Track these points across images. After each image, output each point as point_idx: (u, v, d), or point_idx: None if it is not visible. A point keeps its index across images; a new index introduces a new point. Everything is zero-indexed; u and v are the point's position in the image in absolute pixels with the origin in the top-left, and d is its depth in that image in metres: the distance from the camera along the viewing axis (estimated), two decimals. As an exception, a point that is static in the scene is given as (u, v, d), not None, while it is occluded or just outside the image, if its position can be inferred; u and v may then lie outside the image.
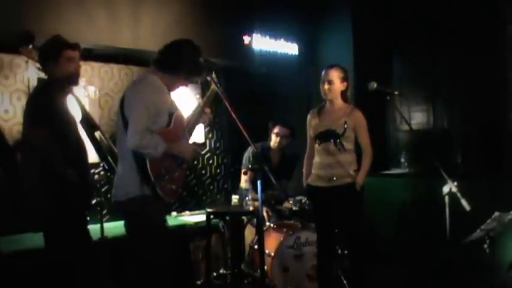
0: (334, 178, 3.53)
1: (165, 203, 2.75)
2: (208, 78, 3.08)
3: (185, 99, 4.77)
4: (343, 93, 3.63)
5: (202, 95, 5.04)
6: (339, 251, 3.99)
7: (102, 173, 4.10)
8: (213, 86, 3.11)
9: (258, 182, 3.41)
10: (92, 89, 4.41)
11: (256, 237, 3.90)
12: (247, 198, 3.94)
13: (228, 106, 3.06)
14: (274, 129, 4.65)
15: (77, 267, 3.01)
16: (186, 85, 2.97)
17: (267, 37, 5.22)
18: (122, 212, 2.79)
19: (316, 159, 3.65)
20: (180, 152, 2.79)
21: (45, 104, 2.99)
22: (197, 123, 3.17)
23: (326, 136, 3.56)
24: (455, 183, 3.03)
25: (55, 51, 3.08)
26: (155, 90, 2.71)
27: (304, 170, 3.81)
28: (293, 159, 4.71)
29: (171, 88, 2.87)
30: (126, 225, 2.77)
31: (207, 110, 3.16)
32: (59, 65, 3.07)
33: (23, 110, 3.14)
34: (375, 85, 3.41)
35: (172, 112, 2.79)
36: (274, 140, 4.65)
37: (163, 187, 2.66)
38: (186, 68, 2.84)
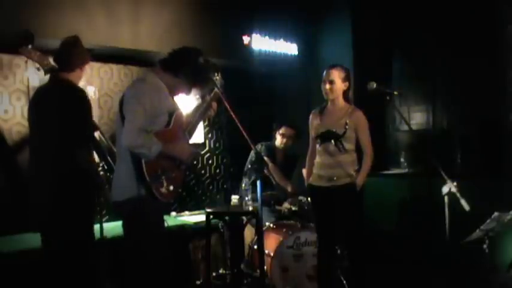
0: (334, 178, 3.54)
1: (163, 203, 2.75)
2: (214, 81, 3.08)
3: (185, 99, 4.78)
4: (345, 93, 3.63)
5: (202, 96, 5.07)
6: (339, 251, 3.99)
7: (101, 173, 4.09)
8: (216, 90, 3.12)
9: (258, 182, 3.41)
10: (91, 89, 4.40)
11: (256, 237, 3.90)
12: (246, 198, 3.94)
13: (228, 106, 3.07)
14: (280, 130, 4.68)
15: (77, 267, 3.02)
16: (188, 93, 2.96)
17: (267, 37, 5.22)
18: (119, 212, 2.79)
19: (317, 159, 3.65)
20: (177, 153, 2.78)
21: (84, 103, 3.08)
22: (199, 123, 3.17)
23: (326, 137, 3.57)
24: (455, 183, 3.03)
25: (77, 62, 3.18)
26: (153, 90, 2.70)
27: (306, 170, 3.81)
28: (294, 159, 4.73)
29: (172, 91, 2.86)
30: (123, 225, 2.77)
31: (214, 104, 3.16)
32: (73, 72, 3.16)
33: (47, 105, 3.10)
34: (375, 85, 3.41)
35: (172, 112, 2.78)
36: (280, 141, 4.68)
37: (159, 187, 2.65)
38: (189, 72, 2.83)
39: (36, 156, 3.11)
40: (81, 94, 3.13)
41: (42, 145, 3.08)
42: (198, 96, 5.01)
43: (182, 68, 2.81)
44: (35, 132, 3.16)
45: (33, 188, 3.09)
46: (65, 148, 2.98)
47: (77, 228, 3.03)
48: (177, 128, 2.83)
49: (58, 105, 3.06)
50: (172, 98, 2.87)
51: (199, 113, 3.15)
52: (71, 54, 3.16)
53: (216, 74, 3.07)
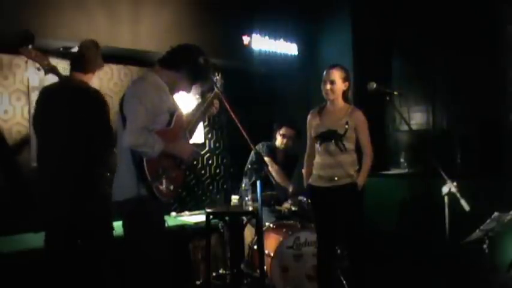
0: (335, 178, 3.53)
1: (163, 203, 2.75)
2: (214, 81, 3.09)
3: (185, 99, 4.77)
4: (344, 94, 3.63)
5: (202, 95, 5.07)
6: (339, 251, 3.99)
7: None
8: (216, 90, 3.13)
9: (258, 182, 3.42)
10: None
11: (256, 238, 3.90)
12: (246, 198, 3.94)
13: (228, 106, 3.07)
14: (280, 131, 4.68)
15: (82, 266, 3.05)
16: (188, 90, 2.96)
17: (267, 37, 5.22)
18: (119, 212, 2.79)
19: (317, 159, 3.65)
20: (178, 152, 2.78)
21: (106, 106, 3.17)
22: (199, 123, 3.18)
23: (327, 136, 3.56)
24: (455, 184, 3.03)
25: (93, 66, 3.22)
26: (154, 89, 2.70)
27: (304, 170, 3.81)
28: (294, 159, 4.73)
29: (173, 89, 2.86)
30: (123, 225, 2.77)
31: (216, 102, 3.16)
32: (86, 75, 3.21)
33: (69, 106, 3.12)
34: (375, 85, 3.41)
35: (173, 111, 2.79)
36: (280, 141, 4.68)
37: (159, 187, 2.65)
38: (189, 67, 2.83)
39: (53, 156, 3.10)
40: (102, 96, 3.19)
41: (64, 145, 3.08)
42: (198, 96, 5.04)
43: (182, 63, 2.81)
44: (50, 131, 3.14)
45: (52, 188, 3.08)
46: (92, 150, 2.99)
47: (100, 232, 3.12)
48: (177, 127, 2.83)
49: (83, 107, 3.09)
50: (173, 97, 2.88)
51: (200, 113, 3.15)
52: (90, 56, 3.19)
53: (216, 74, 3.08)
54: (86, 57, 3.19)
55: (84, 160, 3.01)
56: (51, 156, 3.10)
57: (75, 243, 3.04)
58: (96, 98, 3.14)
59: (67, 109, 3.06)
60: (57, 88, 3.21)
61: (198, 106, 3.24)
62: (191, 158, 2.90)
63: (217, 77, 3.13)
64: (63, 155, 3.04)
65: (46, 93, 3.21)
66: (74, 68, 3.21)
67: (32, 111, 3.77)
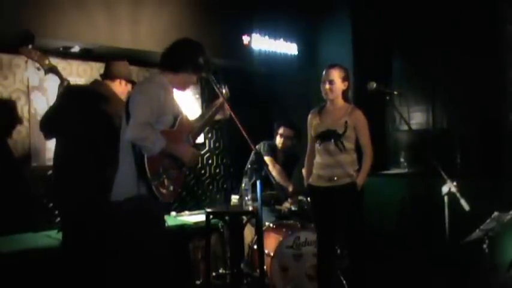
0: (335, 178, 3.54)
1: (162, 203, 2.75)
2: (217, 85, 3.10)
3: (185, 100, 4.78)
4: (344, 93, 3.64)
5: (202, 94, 5.08)
6: (339, 251, 3.99)
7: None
8: (224, 91, 3.16)
9: (258, 182, 3.41)
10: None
11: (256, 237, 3.90)
12: (246, 198, 3.94)
13: (228, 107, 3.08)
14: (278, 130, 4.71)
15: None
16: (195, 83, 3.00)
17: (267, 37, 5.22)
18: (118, 212, 2.78)
19: (317, 159, 3.65)
20: (179, 154, 2.78)
21: None
22: (203, 129, 3.20)
23: (327, 136, 3.57)
24: (455, 183, 3.04)
25: (116, 73, 3.41)
26: (161, 89, 2.74)
27: (305, 170, 3.81)
28: (294, 158, 4.74)
29: (182, 87, 2.91)
30: (123, 225, 2.76)
31: (227, 106, 3.18)
32: (113, 83, 3.40)
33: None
34: (375, 85, 3.42)
35: (177, 114, 2.81)
36: (278, 141, 4.70)
37: (159, 187, 2.65)
38: (190, 64, 2.85)
39: (78, 156, 3.16)
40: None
41: (89, 146, 3.16)
42: (197, 96, 5.04)
43: (182, 64, 2.84)
44: (75, 131, 3.20)
45: (73, 189, 3.15)
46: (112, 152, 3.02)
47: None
48: (181, 130, 2.85)
49: (105, 109, 3.24)
50: (177, 101, 2.90)
51: (205, 120, 3.17)
52: (113, 64, 3.42)
53: (223, 87, 3.12)
54: (109, 65, 3.42)
55: (107, 161, 3.02)
56: (76, 156, 3.16)
57: (92, 242, 3.05)
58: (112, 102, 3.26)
59: (92, 111, 3.19)
60: (84, 90, 3.38)
61: (204, 113, 3.27)
62: (192, 161, 2.90)
63: (225, 89, 3.17)
64: (89, 156, 3.12)
65: (73, 94, 3.27)
66: (102, 75, 3.48)
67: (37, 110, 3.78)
